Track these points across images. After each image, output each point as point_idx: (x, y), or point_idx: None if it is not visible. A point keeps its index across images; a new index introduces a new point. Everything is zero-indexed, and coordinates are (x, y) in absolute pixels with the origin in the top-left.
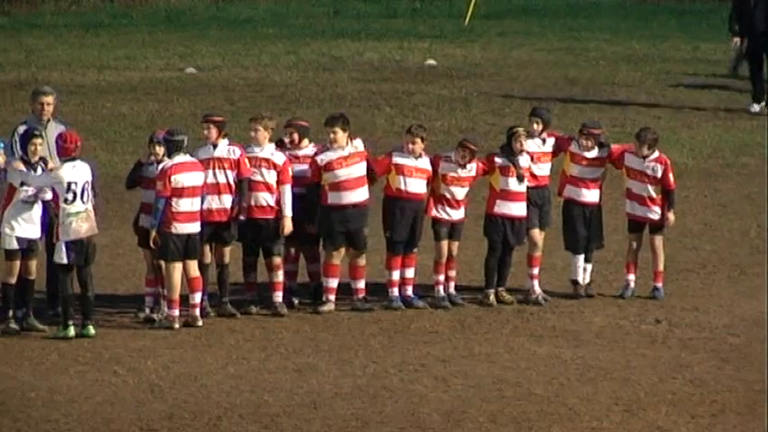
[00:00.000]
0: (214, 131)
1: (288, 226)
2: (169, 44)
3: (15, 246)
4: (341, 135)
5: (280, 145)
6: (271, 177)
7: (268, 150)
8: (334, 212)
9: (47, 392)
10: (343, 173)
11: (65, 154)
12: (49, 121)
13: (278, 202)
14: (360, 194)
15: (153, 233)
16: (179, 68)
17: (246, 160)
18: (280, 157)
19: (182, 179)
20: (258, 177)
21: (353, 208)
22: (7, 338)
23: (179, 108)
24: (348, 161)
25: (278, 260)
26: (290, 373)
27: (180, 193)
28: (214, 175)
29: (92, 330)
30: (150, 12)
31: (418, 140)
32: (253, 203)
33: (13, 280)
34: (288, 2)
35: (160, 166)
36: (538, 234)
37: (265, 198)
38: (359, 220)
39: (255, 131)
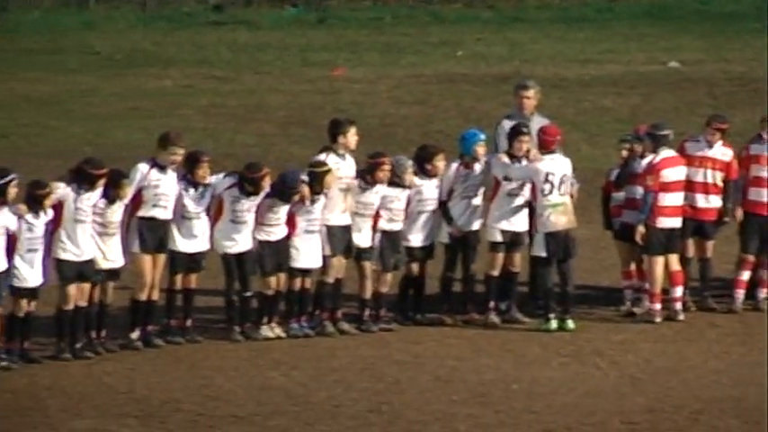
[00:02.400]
0: (717, 136)
1: None
2: (652, 38)
3: (499, 239)
4: None
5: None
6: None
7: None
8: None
9: (528, 384)
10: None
11: (545, 147)
12: (532, 114)
13: None
14: None
15: (640, 228)
16: (662, 62)
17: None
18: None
19: (668, 174)
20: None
21: None
22: (490, 330)
23: (661, 102)
24: None
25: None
26: None
27: (666, 187)
28: (704, 173)
29: (570, 324)
30: (633, 6)
31: None
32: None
33: (497, 272)
34: None
35: (645, 161)
36: None
37: None
38: None
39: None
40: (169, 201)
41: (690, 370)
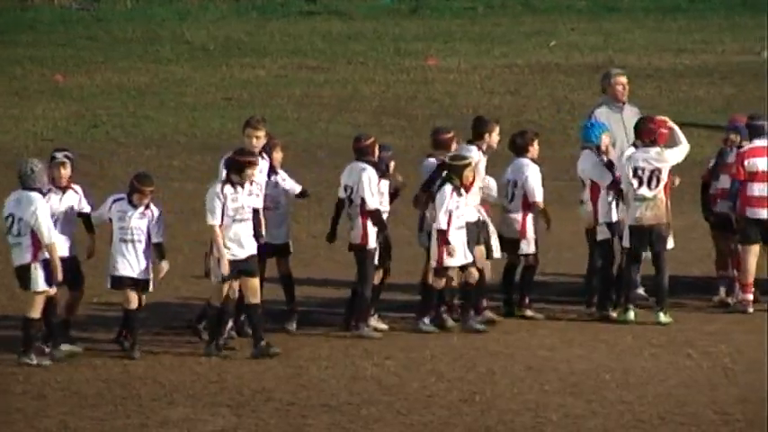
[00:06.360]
0: None
1: None
2: (746, 28)
3: (608, 235)
4: None
5: None
6: None
7: None
8: None
9: (620, 374)
10: None
11: (648, 137)
12: (624, 104)
13: None
14: None
15: (737, 217)
16: (755, 52)
17: None
18: None
19: (756, 163)
20: None
21: None
22: (581, 321)
23: (756, 91)
24: None
25: None
26: None
27: (753, 177)
28: None
29: (663, 317)
30: None
31: None
32: None
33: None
34: None
35: (736, 151)
36: None
37: None
38: None
39: None
40: (248, 213)
41: None
